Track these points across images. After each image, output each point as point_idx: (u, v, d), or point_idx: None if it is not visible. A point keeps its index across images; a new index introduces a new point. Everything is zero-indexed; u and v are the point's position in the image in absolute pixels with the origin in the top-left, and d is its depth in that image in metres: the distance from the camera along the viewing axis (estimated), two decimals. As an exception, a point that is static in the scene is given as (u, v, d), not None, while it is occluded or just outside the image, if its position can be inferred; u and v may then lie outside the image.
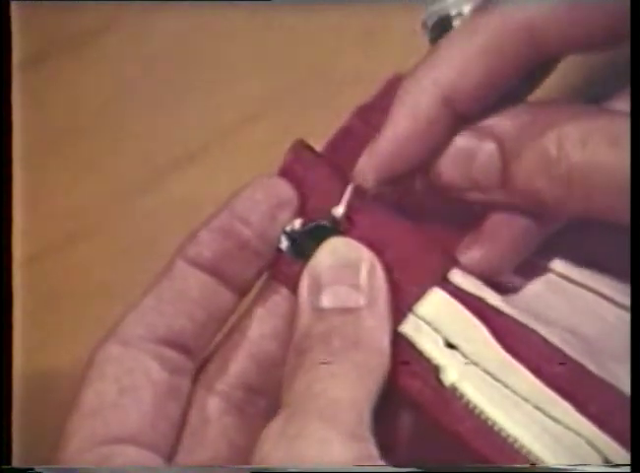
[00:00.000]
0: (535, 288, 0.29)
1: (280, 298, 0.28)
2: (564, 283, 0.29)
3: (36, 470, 0.26)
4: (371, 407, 0.24)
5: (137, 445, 0.26)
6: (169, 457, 0.27)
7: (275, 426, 0.24)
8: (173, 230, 0.29)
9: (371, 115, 0.30)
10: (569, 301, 0.29)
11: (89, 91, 0.43)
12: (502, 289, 0.28)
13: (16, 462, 0.28)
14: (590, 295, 0.29)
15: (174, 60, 0.44)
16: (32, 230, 0.36)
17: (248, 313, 0.28)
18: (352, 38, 0.43)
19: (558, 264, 0.29)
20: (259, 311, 0.28)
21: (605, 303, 0.28)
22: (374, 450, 0.23)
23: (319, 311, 0.26)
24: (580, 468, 0.24)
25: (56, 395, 0.27)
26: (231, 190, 0.29)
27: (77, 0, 0.44)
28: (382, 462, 0.23)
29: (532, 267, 0.29)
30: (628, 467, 0.23)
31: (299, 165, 0.29)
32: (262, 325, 0.28)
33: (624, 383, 0.25)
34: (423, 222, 0.29)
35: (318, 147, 0.31)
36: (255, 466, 0.27)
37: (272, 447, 0.23)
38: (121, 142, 0.42)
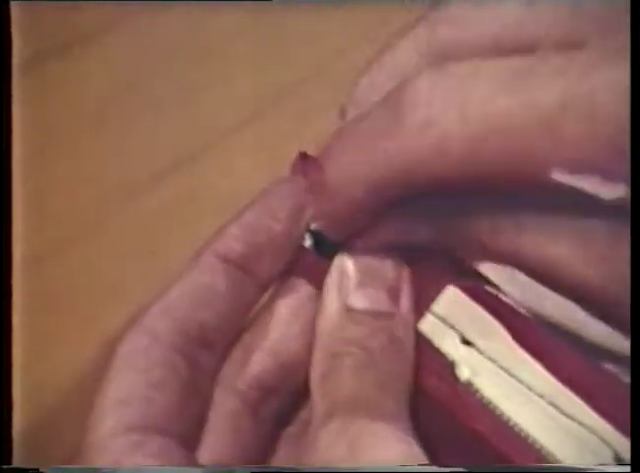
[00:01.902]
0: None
1: (304, 296, 0.28)
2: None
3: (39, 470, 0.26)
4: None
5: (163, 435, 0.26)
6: (193, 450, 0.27)
7: (332, 425, 0.24)
8: (174, 230, 0.29)
9: None
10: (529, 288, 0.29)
11: (89, 91, 0.43)
12: None
13: (16, 462, 0.28)
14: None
15: (174, 60, 0.44)
16: (32, 230, 0.36)
17: (271, 311, 0.28)
18: (351, 38, 0.43)
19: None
20: (284, 311, 0.28)
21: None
22: (422, 455, 0.24)
23: (350, 313, 0.26)
24: (580, 467, 0.24)
25: (56, 395, 0.27)
26: (231, 190, 0.29)
27: (77, 0, 0.44)
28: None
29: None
30: (629, 467, 0.23)
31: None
32: (287, 326, 0.28)
33: None
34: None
35: (318, 147, 0.32)
36: (255, 466, 0.27)
37: (331, 445, 0.23)
38: (121, 142, 0.42)
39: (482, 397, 0.25)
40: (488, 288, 0.27)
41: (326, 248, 0.28)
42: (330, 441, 0.24)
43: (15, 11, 0.31)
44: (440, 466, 0.24)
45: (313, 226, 0.29)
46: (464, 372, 0.26)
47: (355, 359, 0.25)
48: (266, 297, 0.29)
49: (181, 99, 0.43)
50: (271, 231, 0.28)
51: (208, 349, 0.27)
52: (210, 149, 0.41)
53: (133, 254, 0.38)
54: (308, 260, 0.28)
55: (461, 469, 0.24)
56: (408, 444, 0.24)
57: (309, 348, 0.27)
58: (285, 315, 0.28)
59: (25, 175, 0.32)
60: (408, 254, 0.28)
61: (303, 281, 0.28)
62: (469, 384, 0.25)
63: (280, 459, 0.28)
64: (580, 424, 0.25)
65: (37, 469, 0.26)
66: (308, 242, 0.29)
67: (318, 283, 0.28)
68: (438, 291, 0.27)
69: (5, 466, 0.28)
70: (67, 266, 0.38)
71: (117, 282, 0.37)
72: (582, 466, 0.24)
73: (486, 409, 0.25)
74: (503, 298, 0.27)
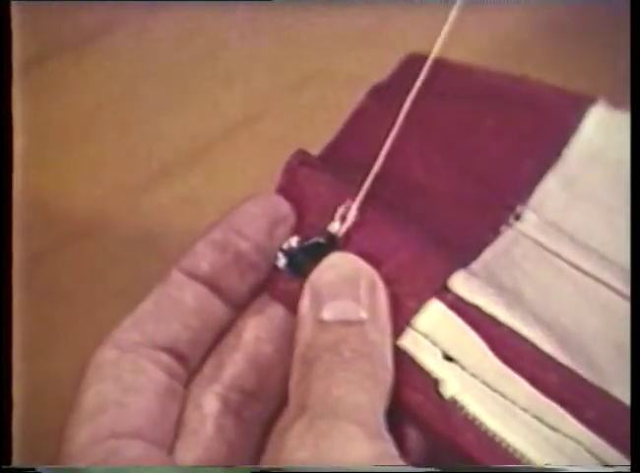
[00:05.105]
0: (496, 249, 0.29)
1: (277, 311, 0.28)
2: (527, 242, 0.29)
3: (37, 470, 0.26)
4: (384, 414, 0.25)
5: (142, 440, 0.26)
6: (170, 453, 0.27)
7: (299, 425, 0.24)
8: (174, 229, 0.29)
9: (386, 95, 0.30)
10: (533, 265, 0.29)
11: (89, 91, 0.43)
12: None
13: (16, 462, 0.28)
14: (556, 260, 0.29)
15: (175, 60, 0.44)
16: (32, 230, 0.36)
17: (244, 319, 0.29)
18: (351, 38, 0.43)
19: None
20: (255, 317, 0.28)
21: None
22: (395, 450, 0.24)
23: (322, 324, 0.26)
24: (581, 469, 0.24)
25: (56, 395, 0.27)
26: (232, 190, 0.29)
27: (77, 0, 0.44)
28: (402, 462, 0.23)
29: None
30: (628, 467, 0.23)
31: (296, 183, 0.29)
32: (258, 328, 0.28)
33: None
34: (427, 222, 0.29)
35: (317, 148, 0.31)
36: (255, 466, 0.27)
37: (298, 445, 0.23)
38: (121, 142, 0.42)
39: (468, 414, 0.25)
40: (471, 300, 0.27)
41: (299, 267, 0.28)
42: (296, 442, 0.23)
43: (15, 11, 0.31)
44: (413, 466, 0.24)
45: (286, 244, 0.28)
46: (448, 390, 0.26)
47: (325, 362, 0.25)
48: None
49: (181, 98, 0.43)
50: (237, 248, 0.28)
51: (181, 360, 0.27)
52: (210, 149, 0.41)
53: (133, 254, 0.38)
54: (281, 280, 0.28)
55: (433, 469, 0.24)
56: (377, 445, 0.23)
57: (282, 354, 0.27)
58: (256, 321, 0.28)
59: (25, 175, 0.32)
60: (392, 267, 0.27)
61: (275, 302, 0.28)
62: (453, 402, 0.25)
63: (266, 463, 0.28)
64: (566, 436, 0.25)
65: (36, 469, 0.26)
66: (282, 262, 0.28)
67: (291, 303, 0.28)
68: (419, 305, 0.27)
69: (5, 466, 0.28)
70: (67, 265, 0.38)
71: (117, 281, 0.37)
72: (583, 468, 0.24)
73: (471, 425, 0.25)
74: (486, 310, 0.27)
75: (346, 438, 0.23)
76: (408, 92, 0.30)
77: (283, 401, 0.28)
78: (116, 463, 0.25)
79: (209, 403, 0.27)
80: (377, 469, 0.23)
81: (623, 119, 0.30)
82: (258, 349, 0.28)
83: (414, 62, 0.32)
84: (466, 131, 0.31)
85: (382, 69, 0.33)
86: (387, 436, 0.24)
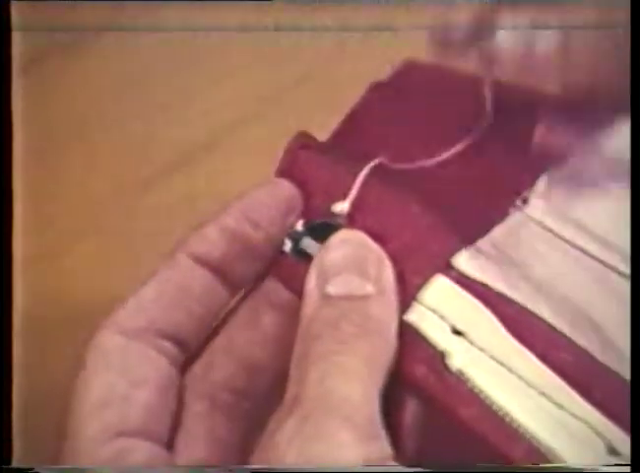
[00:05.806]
0: (504, 227, 0.29)
1: (281, 301, 0.28)
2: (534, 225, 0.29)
3: (37, 470, 0.26)
4: (380, 401, 0.24)
5: (146, 439, 0.26)
6: (170, 449, 0.27)
7: (289, 425, 0.23)
8: (174, 229, 0.29)
9: (387, 91, 0.30)
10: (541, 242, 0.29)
11: (88, 90, 0.43)
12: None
13: (16, 462, 0.28)
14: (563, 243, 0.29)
15: (174, 60, 0.44)
16: (32, 230, 0.36)
17: (237, 315, 0.28)
18: (352, 39, 0.43)
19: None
20: (249, 316, 0.28)
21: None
22: (388, 449, 0.23)
23: (327, 298, 0.26)
24: (580, 468, 0.24)
25: (56, 395, 0.27)
26: (231, 189, 0.29)
27: (77, 0, 0.44)
28: (394, 462, 0.23)
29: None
30: (628, 467, 0.23)
31: (297, 166, 0.29)
32: (250, 331, 0.28)
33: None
34: (433, 200, 0.29)
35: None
36: (255, 466, 0.27)
37: (287, 448, 0.23)
38: (121, 142, 0.42)
39: (473, 387, 0.25)
40: (477, 277, 0.27)
41: (305, 249, 0.28)
42: (285, 446, 0.23)
43: (15, 11, 0.31)
44: (402, 465, 0.24)
45: (292, 230, 0.29)
46: (455, 363, 0.26)
47: (325, 342, 0.25)
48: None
49: (181, 98, 0.43)
50: (249, 239, 0.28)
51: (181, 346, 0.27)
52: (210, 148, 0.41)
53: (133, 254, 0.38)
54: (287, 264, 0.28)
55: (420, 469, 0.24)
56: (368, 446, 0.23)
57: (275, 353, 0.27)
58: (249, 322, 0.28)
59: (25, 175, 0.32)
60: (398, 244, 0.27)
61: (280, 285, 0.28)
62: (460, 374, 0.25)
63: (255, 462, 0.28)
64: (572, 414, 0.25)
65: (36, 469, 0.26)
66: (288, 246, 0.28)
67: (295, 287, 0.28)
68: (425, 280, 0.27)
69: (5, 466, 0.28)
70: (67, 265, 0.38)
71: (118, 281, 0.37)
72: (582, 465, 0.24)
73: (477, 399, 0.25)
74: (493, 287, 0.27)
75: (336, 441, 0.23)
76: (406, 93, 0.31)
77: (275, 398, 0.28)
78: (123, 464, 0.24)
79: (199, 405, 0.27)
80: (369, 470, 0.23)
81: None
82: (249, 353, 0.28)
83: (409, 69, 0.32)
84: (466, 130, 0.31)
85: (382, 69, 0.33)
86: (380, 432, 0.24)
